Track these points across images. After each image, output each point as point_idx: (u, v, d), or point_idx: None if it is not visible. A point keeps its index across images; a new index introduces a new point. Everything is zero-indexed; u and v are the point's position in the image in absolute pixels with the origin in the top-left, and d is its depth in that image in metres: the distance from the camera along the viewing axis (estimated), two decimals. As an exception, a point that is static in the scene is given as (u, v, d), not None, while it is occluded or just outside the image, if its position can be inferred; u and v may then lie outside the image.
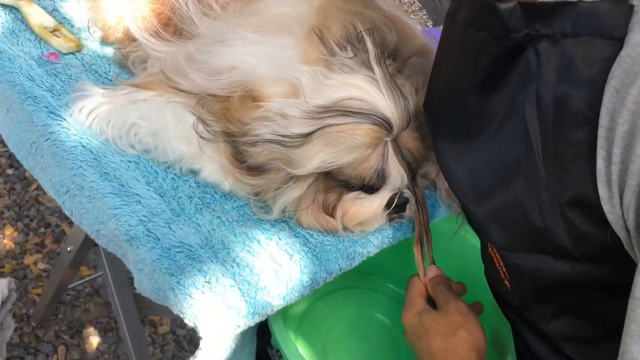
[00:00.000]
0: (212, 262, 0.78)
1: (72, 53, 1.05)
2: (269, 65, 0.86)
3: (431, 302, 0.85)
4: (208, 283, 0.75)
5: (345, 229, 0.86)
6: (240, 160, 0.82)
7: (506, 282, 0.78)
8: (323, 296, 1.10)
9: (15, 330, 1.74)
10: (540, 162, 0.63)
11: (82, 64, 1.04)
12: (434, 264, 0.90)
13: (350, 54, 0.81)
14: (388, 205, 0.85)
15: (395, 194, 0.85)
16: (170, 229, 0.81)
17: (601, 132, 0.57)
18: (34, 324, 1.75)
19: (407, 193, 0.86)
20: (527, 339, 0.82)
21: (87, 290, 1.86)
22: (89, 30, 1.09)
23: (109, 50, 1.08)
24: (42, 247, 1.93)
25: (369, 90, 0.78)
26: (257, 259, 0.80)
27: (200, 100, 0.87)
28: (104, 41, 1.08)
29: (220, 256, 0.79)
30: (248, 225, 0.84)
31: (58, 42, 1.05)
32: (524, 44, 0.63)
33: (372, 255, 0.87)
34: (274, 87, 0.83)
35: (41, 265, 1.89)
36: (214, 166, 0.86)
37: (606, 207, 0.59)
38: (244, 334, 0.91)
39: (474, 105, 0.71)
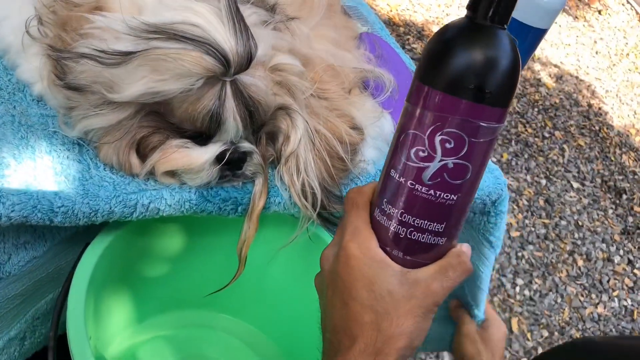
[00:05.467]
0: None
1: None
2: (126, -23, 0.78)
3: None
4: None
5: (150, 174, 0.77)
6: (60, 76, 0.74)
7: None
8: (144, 343, 0.98)
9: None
10: None
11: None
12: None
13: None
14: (219, 159, 0.76)
15: (228, 149, 0.75)
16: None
17: None
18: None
19: (247, 147, 0.76)
20: None
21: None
22: None
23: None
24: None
25: (209, 18, 0.69)
26: (18, 164, 0.72)
27: (55, 1, 0.81)
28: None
29: (-18, 149, 0.72)
30: (37, 134, 0.76)
31: None
32: None
33: (165, 214, 0.77)
34: (123, 0, 0.76)
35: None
36: (32, 65, 0.79)
37: None
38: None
39: None
